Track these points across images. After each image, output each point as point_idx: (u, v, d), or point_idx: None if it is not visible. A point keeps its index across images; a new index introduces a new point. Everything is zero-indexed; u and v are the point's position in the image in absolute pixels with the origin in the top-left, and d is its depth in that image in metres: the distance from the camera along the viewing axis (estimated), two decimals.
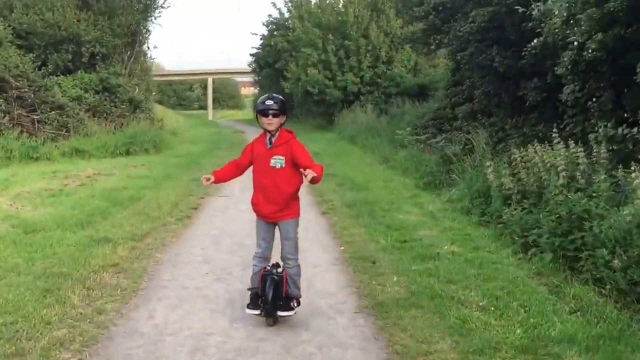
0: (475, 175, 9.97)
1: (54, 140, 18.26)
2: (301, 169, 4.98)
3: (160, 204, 10.57)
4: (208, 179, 5.30)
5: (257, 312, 5.24)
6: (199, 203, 11.12)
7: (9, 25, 21.39)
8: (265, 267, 5.29)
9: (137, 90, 25.10)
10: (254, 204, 5.28)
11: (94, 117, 21.45)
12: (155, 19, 27.39)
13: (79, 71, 23.22)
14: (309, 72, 30.71)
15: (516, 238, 7.46)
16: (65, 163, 16.60)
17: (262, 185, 5.18)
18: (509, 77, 13.24)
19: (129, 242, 7.82)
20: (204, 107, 74.00)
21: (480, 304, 5.62)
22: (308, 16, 32.84)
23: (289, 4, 40.89)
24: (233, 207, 10.88)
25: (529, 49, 11.06)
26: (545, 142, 9.07)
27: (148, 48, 28.95)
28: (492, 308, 5.51)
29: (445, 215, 9.59)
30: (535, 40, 11.07)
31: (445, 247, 7.66)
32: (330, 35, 30.83)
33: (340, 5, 32.45)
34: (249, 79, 65.13)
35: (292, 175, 5.14)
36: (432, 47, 19.78)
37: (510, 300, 5.69)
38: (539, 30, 10.80)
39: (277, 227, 5.29)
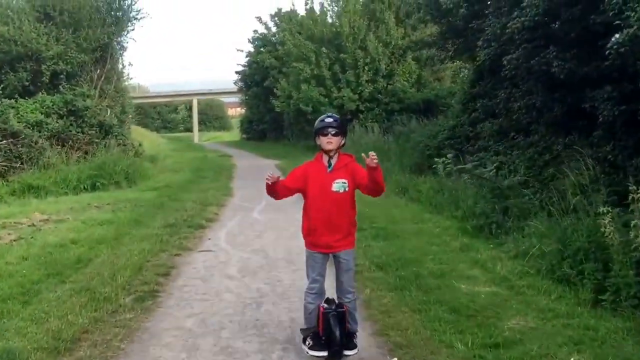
0: (571, 224, 6.81)
1: (3, 176, 15.06)
2: (366, 158, 4.47)
3: (117, 269, 7.46)
4: (274, 178, 4.73)
5: (325, 353, 4.71)
6: (171, 265, 8.01)
7: None
8: (323, 305, 4.79)
9: (108, 112, 21.91)
10: (310, 233, 4.87)
11: (57, 145, 18.26)
12: (128, 32, 24.25)
13: (40, 93, 20.11)
14: (302, 88, 27.73)
15: None
16: (13, 204, 13.26)
17: (323, 211, 4.78)
18: (567, 85, 10.44)
19: None
20: (190, 129, 71.31)
21: None
22: (299, 28, 29.92)
23: (276, 18, 38.62)
24: (219, 271, 7.83)
25: (614, 47, 8.26)
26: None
27: (123, 66, 25.80)
28: None
29: (529, 285, 6.46)
30: (617, 35, 8.33)
31: (572, 358, 4.61)
32: (323, 48, 27.91)
33: (328, 17, 29.58)
34: (235, 99, 63.06)
35: (354, 199, 4.89)
36: (450, 53, 17.02)
37: None
38: (618, 22, 8.09)
39: (330, 259, 4.90)
